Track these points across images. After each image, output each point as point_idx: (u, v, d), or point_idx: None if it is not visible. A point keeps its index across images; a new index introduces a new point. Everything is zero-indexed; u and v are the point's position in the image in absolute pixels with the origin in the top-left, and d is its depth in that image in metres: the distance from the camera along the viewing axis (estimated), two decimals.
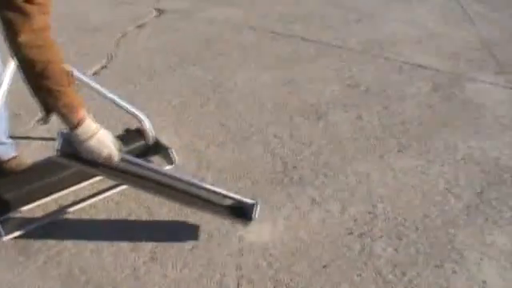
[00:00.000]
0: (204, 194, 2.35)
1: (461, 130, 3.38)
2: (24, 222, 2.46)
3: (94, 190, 2.65)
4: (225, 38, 4.47)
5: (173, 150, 2.80)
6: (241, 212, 2.41)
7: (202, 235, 2.46)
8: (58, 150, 2.06)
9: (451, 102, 3.71)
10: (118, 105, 2.73)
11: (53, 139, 3.00)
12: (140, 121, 2.80)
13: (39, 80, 1.87)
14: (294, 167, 2.93)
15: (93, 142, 2.00)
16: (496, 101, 3.81)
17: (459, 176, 2.97)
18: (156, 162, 2.80)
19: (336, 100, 3.58)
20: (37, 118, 3.30)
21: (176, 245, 2.40)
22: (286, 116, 3.37)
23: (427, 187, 2.86)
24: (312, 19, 4.95)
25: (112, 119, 3.12)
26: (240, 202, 2.41)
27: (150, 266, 2.29)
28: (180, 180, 2.33)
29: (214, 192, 2.36)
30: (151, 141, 2.79)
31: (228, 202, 2.40)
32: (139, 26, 4.65)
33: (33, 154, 2.99)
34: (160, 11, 4.99)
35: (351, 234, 2.53)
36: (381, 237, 2.52)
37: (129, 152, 2.57)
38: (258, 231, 2.49)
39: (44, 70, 1.84)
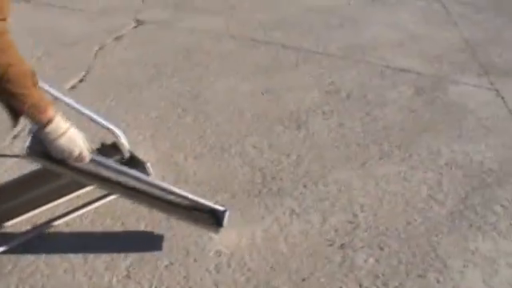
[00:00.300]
0: (174, 198, 2.29)
1: (444, 134, 3.34)
2: (7, 238, 2.38)
3: (72, 206, 2.58)
4: (204, 47, 4.40)
5: (149, 165, 2.72)
6: (211, 218, 2.34)
7: (179, 251, 2.39)
8: (27, 148, 1.98)
9: (434, 106, 3.67)
10: (93, 120, 2.66)
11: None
12: (115, 135, 2.73)
13: (1, 85, 1.80)
14: (273, 178, 2.88)
15: (63, 141, 1.94)
16: (479, 103, 3.78)
17: (442, 182, 2.93)
18: None
19: (316, 107, 3.54)
20: (12, 135, 3.22)
21: (152, 261, 2.34)
22: (266, 125, 3.32)
23: (410, 194, 2.82)
24: (293, 26, 4.89)
25: (88, 134, 3.03)
26: (211, 209, 2.34)
27: (126, 284, 2.23)
28: (151, 184, 2.28)
29: (186, 197, 2.30)
30: (127, 155, 2.73)
31: (198, 208, 2.33)
32: (117, 38, 4.58)
33: (8, 172, 2.92)
34: (139, 22, 4.92)
35: (332, 245, 2.48)
36: (362, 247, 2.47)
37: None
38: (236, 245, 2.44)
39: (4, 74, 1.77)
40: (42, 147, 1.97)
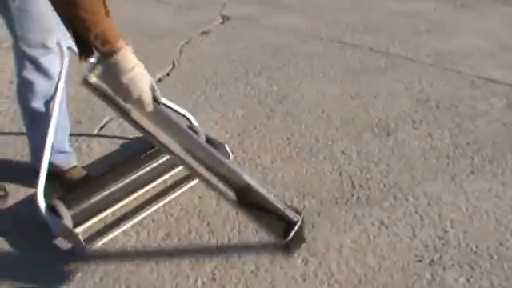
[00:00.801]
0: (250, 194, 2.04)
1: None
2: (102, 231, 2.47)
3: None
4: (291, 47, 4.38)
5: (227, 146, 2.75)
6: (282, 227, 2.05)
7: (265, 256, 2.38)
8: (86, 74, 1.81)
9: None
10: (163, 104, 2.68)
11: (114, 149, 3.03)
12: (188, 119, 2.79)
13: (70, 8, 1.71)
14: (362, 186, 2.84)
15: (127, 78, 1.77)
16: None
17: None
18: None
19: (405, 116, 3.46)
20: (100, 126, 3.28)
21: (238, 266, 2.33)
22: (354, 131, 3.27)
23: (501, 212, 2.73)
24: (380, 29, 4.82)
25: None
26: (285, 217, 2.06)
27: (210, 287, 2.22)
28: (224, 164, 2.03)
29: (263, 197, 2.05)
30: (203, 137, 2.74)
31: (273, 212, 2.05)
32: (203, 33, 4.62)
33: (94, 163, 2.98)
34: (225, 18, 4.94)
35: (421, 261, 2.42)
36: (452, 265, 2.40)
37: None
38: (323, 254, 2.41)
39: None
40: (103, 78, 1.83)
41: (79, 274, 2.29)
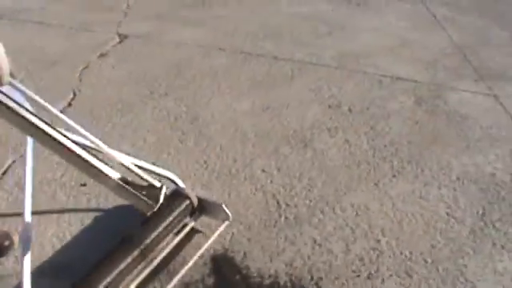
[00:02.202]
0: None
1: (452, 146, 3.27)
2: None
3: None
4: (194, 62, 4.25)
5: (224, 206, 2.55)
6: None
7: None
8: None
9: (437, 116, 3.59)
10: (140, 168, 2.45)
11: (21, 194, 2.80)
12: (175, 183, 2.56)
13: None
14: (288, 205, 2.76)
15: None
16: (481, 110, 3.71)
17: (458, 198, 2.85)
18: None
19: (320, 124, 3.42)
20: (1, 171, 3.04)
21: None
22: (271, 146, 3.20)
23: (428, 214, 2.74)
24: (281, 35, 4.77)
25: None
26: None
27: None
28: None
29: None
30: (195, 200, 2.54)
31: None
32: (102, 55, 4.41)
33: (2, 213, 2.75)
34: (122, 36, 4.74)
35: (359, 276, 2.37)
36: (390, 276, 2.38)
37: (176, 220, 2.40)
38: (259, 283, 2.33)
39: None
40: None
41: None
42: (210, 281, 2.35)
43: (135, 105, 3.65)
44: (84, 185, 2.89)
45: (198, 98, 3.72)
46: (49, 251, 2.49)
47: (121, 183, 2.08)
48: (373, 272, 2.40)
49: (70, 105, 3.70)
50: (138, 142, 3.25)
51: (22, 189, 2.77)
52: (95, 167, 2.01)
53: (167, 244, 2.43)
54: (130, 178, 2.13)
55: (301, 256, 2.47)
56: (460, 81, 4.13)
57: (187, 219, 2.50)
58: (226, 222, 2.52)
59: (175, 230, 2.46)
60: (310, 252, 2.49)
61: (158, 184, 2.16)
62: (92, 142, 2.10)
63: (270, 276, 2.39)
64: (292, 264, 2.44)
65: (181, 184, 2.56)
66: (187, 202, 2.48)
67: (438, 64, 4.39)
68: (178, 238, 2.46)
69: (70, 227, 2.58)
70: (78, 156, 1.96)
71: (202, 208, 2.52)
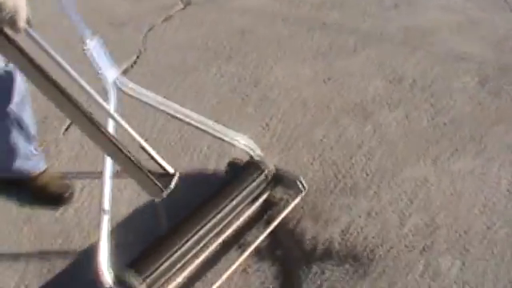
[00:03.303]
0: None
1: None
2: None
3: None
4: (258, 29, 4.25)
5: (301, 178, 2.56)
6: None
7: None
8: None
9: (501, 97, 3.51)
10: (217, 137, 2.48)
11: (85, 148, 2.89)
12: (253, 151, 2.59)
13: None
14: (346, 174, 2.77)
15: None
16: None
17: None
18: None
19: (381, 98, 3.40)
20: (67, 123, 3.13)
21: None
22: (331, 116, 3.20)
23: (488, 192, 2.69)
24: (347, 6, 4.69)
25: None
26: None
27: None
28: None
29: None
30: (272, 169, 2.54)
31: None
32: (166, 19, 4.45)
33: (64, 165, 2.84)
34: (186, 2, 4.77)
35: (412, 250, 2.37)
36: (445, 251, 2.36)
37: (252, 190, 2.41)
38: (312, 248, 2.39)
39: None
40: None
41: None
42: (263, 244, 2.39)
43: (198, 68, 3.69)
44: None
45: (260, 64, 3.73)
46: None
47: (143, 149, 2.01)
48: (427, 247, 2.40)
49: (133, 66, 3.77)
50: (200, 104, 3.30)
51: (84, 143, 2.88)
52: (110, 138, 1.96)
53: (241, 213, 2.46)
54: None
55: (355, 225, 2.49)
56: None
57: (262, 189, 2.52)
58: (302, 194, 2.53)
59: (250, 199, 2.47)
60: (365, 222, 2.51)
61: (171, 170, 2.00)
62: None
63: (324, 242, 2.42)
64: (346, 232, 2.46)
65: (258, 152, 2.59)
66: (262, 172, 2.48)
67: (505, 45, 4.28)
68: (252, 208, 2.49)
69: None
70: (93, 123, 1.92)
71: (278, 179, 2.53)
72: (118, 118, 2.05)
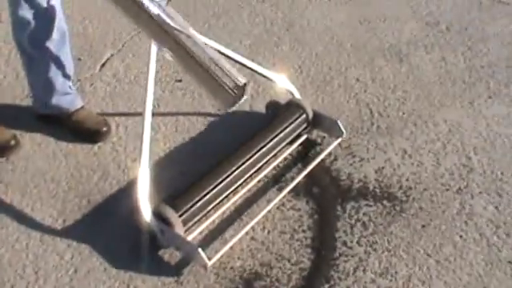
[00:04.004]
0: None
1: None
2: (220, 242, 2.20)
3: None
4: None
5: (339, 122, 2.56)
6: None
7: None
8: None
9: None
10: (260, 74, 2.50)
11: (120, 86, 2.90)
12: (293, 95, 2.60)
13: None
14: (381, 115, 2.77)
15: None
16: None
17: None
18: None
19: (416, 40, 3.36)
20: (101, 63, 3.14)
21: None
22: (366, 57, 3.18)
23: None
24: None
25: None
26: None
27: None
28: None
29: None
30: (310, 113, 2.55)
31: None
32: None
33: (100, 103, 2.86)
34: None
35: (448, 190, 2.37)
36: (480, 193, 2.36)
37: (291, 130, 2.44)
38: (348, 187, 2.40)
39: None
40: None
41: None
42: (299, 182, 2.40)
43: (231, 9, 3.66)
44: (179, 81, 2.96)
45: (294, 5, 3.69)
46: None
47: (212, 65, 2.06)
48: (462, 187, 2.40)
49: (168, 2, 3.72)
50: (233, 44, 3.28)
51: (120, 80, 2.90)
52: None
53: (280, 153, 2.48)
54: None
55: (391, 165, 2.50)
56: None
57: (303, 129, 2.54)
58: (340, 139, 2.54)
59: (288, 140, 2.49)
60: (400, 162, 2.51)
61: (243, 80, 2.01)
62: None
63: (359, 181, 2.43)
64: (381, 171, 2.46)
65: (297, 95, 2.58)
66: (302, 113, 2.50)
67: None
68: (290, 149, 2.51)
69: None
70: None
71: (316, 122, 2.54)
72: (193, 32, 2.17)
